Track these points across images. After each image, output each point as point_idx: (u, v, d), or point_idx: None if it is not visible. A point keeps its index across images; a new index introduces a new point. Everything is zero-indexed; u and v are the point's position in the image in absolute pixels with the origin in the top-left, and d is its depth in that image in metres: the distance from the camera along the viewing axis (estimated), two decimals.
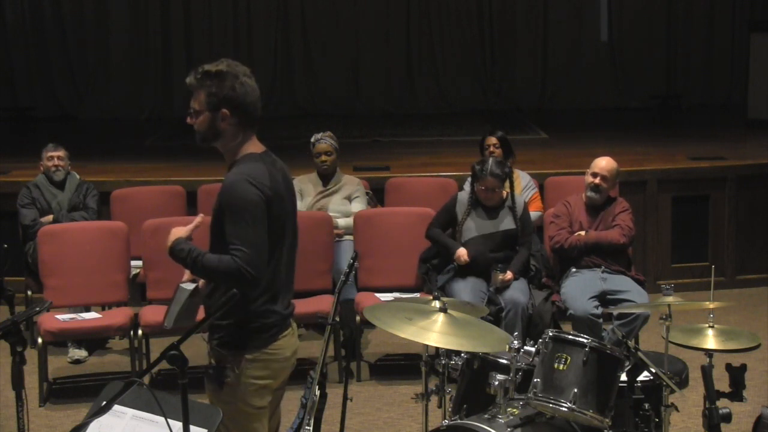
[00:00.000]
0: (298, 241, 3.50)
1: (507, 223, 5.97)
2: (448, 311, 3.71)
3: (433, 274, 6.08)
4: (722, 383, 4.05)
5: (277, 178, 3.34)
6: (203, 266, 3.23)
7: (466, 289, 5.77)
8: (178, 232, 3.35)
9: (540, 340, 3.72)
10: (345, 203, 6.80)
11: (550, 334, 3.69)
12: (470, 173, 6.07)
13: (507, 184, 6.01)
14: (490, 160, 5.98)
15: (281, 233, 3.33)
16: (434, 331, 3.60)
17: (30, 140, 10.41)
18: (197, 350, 4.31)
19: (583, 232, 5.98)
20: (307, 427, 4.06)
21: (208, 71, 3.27)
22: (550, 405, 3.54)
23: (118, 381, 2.82)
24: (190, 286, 3.39)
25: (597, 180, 6.00)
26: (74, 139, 9.43)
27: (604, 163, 6.04)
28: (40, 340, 5.81)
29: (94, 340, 6.51)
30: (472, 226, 5.96)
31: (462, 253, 5.82)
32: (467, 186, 6.27)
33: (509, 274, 5.80)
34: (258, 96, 3.35)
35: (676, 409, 4.01)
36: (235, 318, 3.27)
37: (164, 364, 2.73)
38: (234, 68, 3.29)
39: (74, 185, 6.91)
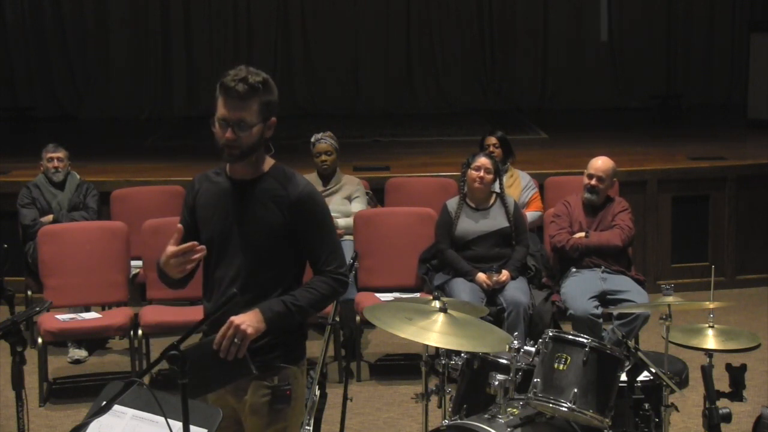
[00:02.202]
0: None
1: (500, 221, 5.98)
2: (448, 311, 3.71)
3: (433, 274, 6.08)
4: (722, 383, 4.05)
5: None
6: (310, 306, 3.11)
7: (466, 289, 5.77)
8: (249, 319, 3.03)
9: (540, 340, 3.72)
10: (345, 203, 6.80)
11: (550, 334, 3.69)
12: (461, 172, 6.14)
13: (497, 184, 6.04)
14: (480, 151, 6.30)
15: None
16: (434, 331, 3.59)
17: (30, 140, 10.40)
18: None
19: (583, 233, 5.98)
20: (307, 427, 4.06)
21: (258, 80, 3.05)
22: (550, 405, 3.54)
23: (118, 381, 2.82)
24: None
25: (593, 182, 6.00)
26: (74, 139, 9.44)
27: (599, 164, 6.03)
28: (40, 340, 5.81)
29: (94, 340, 6.51)
30: (466, 228, 5.97)
31: (483, 278, 5.82)
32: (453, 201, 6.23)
33: (504, 275, 5.81)
34: None
35: (676, 409, 4.01)
36: (300, 328, 3.22)
37: (164, 364, 2.72)
38: (261, 71, 3.11)
39: (74, 185, 6.92)
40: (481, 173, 5.95)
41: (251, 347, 3.05)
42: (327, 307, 3.33)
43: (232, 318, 3.01)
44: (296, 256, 3.19)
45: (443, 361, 4.09)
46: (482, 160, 6.00)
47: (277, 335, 3.13)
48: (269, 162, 3.22)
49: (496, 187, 6.08)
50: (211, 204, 3.26)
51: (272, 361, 3.15)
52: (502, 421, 3.55)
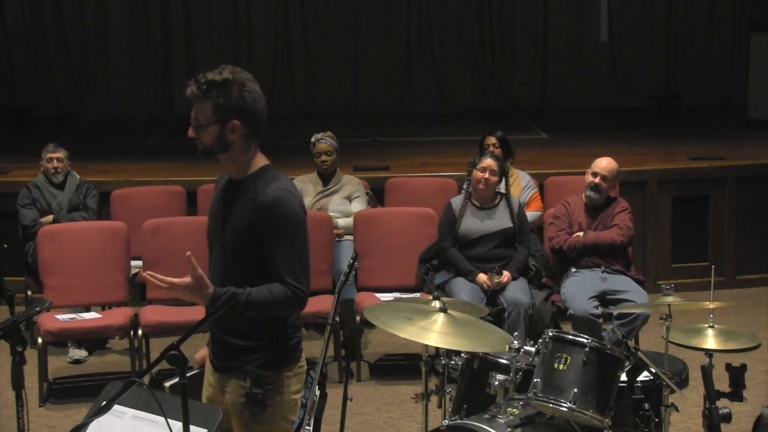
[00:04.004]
0: None
1: (504, 222, 5.98)
2: (448, 311, 3.71)
3: (433, 274, 6.08)
4: (722, 383, 4.06)
5: None
6: (256, 305, 3.06)
7: (466, 289, 5.77)
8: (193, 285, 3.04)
9: (540, 340, 3.72)
10: (345, 203, 6.80)
11: (550, 334, 3.70)
12: (467, 172, 6.13)
13: (502, 184, 6.04)
14: (487, 152, 6.27)
15: None
16: (434, 331, 3.59)
17: (30, 140, 10.41)
18: (197, 350, 4.31)
19: (581, 233, 5.98)
20: (307, 427, 4.05)
21: (214, 81, 3.07)
22: (550, 405, 3.54)
23: (118, 381, 2.83)
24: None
25: (597, 180, 6.01)
26: (74, 139, 9.45)
27: (604, 163, 6.04)
28: (40, 340, 5.81)
29: (94, 340, 6.51)
30: (470, 227, 5.97)
31: (483, 279, 5.82)
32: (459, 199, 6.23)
33: (505, 276, 5.80)
34: (264, 102, 3.19)
35: (676, 409, 4.02)
36: (278, 335, 3.19)
37: (164, 364, 2.73)
38: (239, 75, 3.10)
39: (74, 185, 6.92)
40: (486, 175, 5.94)
41: (231, 348, 3.17)
42: (277, 314, 3.13)
43: (188, 281, 3.01)
44: (265, 259, 3.14)
45: (443, 361, 4.09)
46: (488, 162, 5.98)
47: (254, 339, 3.16)
48: (259, 164, 3.21)
49: (502, 188, 6.07)
50: (214, 201, 3.33)
51: (247, 364, 3.17)
52: (502, 421, 3.55)
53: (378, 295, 6.17)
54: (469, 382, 3.97)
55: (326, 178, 6.86)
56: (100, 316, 6.13)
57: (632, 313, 5.57)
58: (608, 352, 3.64)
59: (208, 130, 3.12)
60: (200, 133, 3.13)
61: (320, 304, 5.84)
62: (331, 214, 6.61)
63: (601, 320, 5.66)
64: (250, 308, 3.07)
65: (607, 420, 3.57)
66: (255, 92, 3.14)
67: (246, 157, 3.18)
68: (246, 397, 3.18)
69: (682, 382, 4.20)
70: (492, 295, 5.77)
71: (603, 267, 5.91)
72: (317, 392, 4.11)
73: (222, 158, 3.19)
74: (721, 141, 9.79)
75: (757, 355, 4.81)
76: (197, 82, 3.09)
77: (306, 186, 6.83)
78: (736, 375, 4.08)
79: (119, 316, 5.95)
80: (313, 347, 6.36)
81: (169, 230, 6.26)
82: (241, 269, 3.14)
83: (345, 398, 4.46)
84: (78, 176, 7.01)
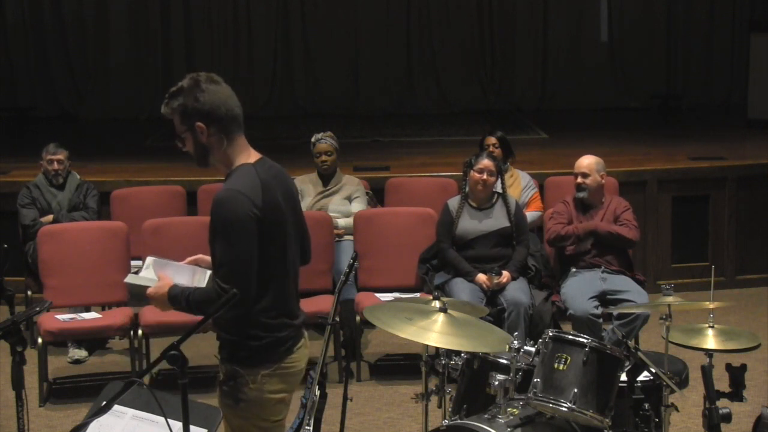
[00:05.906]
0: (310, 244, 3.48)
1: (501, 222, 5.98)
2: (448, 311, 3.71)
3: (433, 274, 6.08)
4: (722, 383, 4.05)
5: (272, 187, 3.17)
6: (195, 303, 3.11)
7: (466, 289, 5.77)
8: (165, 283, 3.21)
9: (540, 340, 3.72)
10: (345, 203, 6.80)
11: (550, 334, 3.70)
12: (463, 172, 6.12)
13: (498, 183, 6.03)
14: (483, 152, 6.20)
15: (283, 243, 3.20)
16: (434, 331, 3.60)
17: (30, 140, 10.41)
18: (197, 350, 4.32)
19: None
20: (307, 427, 4.06)
21: (172, 92, 3.18)
22: (550, 405, 3.54)
23: (118, 381, 2.83)
24: (150, 260, 3.30)
25: (579, 179, 6.04)
26: (74, 139, 9.45)
27: (585, 162, 6.07)
28: (40, 340, 5.82)
29: (94, 340, 6.51)
30: (467, 228, 5.96)
31: (483, 279, 5.82)
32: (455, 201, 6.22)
33: (505, 276, 5.80)
34: (228, 95, 3.17)
35: (676, 409, 4.02)
36: (247, 332, 3.17)
37: (164, 364, 2.73)
38: (195, 78, 3.16)
39: (74, 185, 6.92)
40: (484, 176, 5.93)
41: (219, 340, 3.26)
42: (211, 312, 2.98)
43: (151, 290, 3.20)
44: None
45: (443, 361, 4.09)
46: (485, 162, 5.96)
47: (228, 334, 3.21)
48: (239, 161, 3.21)
49: (498, 187, 6.08)
50: None
51: (224, 357, 3.22)
52: (502, 421, 3.55)
53: (378, 295, 6.17)
54: (469, 382, 3.96)
55: (326, 178, 6.86)
56: (100, 316, 6.14)
57: (632, 313, 5.57)
58: (608, 352, 3.64)
59: (186, 139, 3.21)
60: (184, 145, 3.23)
61: (320, 304, 5.85)
62: (331, 214, 6.61)
63: (601, 320, 5.67)
64: (192, 305, 3.11)
65: (607, 420, 3.57)
66: (211, 91, 3.15)
67: (225, 156, 3.21)
68: (220, 388, 3.23)
69: (682, 382, 4.20)
70: (492, 295, 5.77)
71: (603, 267, 5.91)
72: (317, 392, 4.11)
73: (212, 162, 3.23)
74: (721, 141, 9.78)
75: (757, 355, 4.81)
76: (164, 98, 3.19)
77: (306, 186, 6.83)
78: (736, 375, 4.08)
79: (119, 316, 5.95)
80: (313, 347, 6.33)
81: (169, 230, 6.26)
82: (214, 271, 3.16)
83: (345, 398, 4.46)
84: (78, 176, 7.01)
